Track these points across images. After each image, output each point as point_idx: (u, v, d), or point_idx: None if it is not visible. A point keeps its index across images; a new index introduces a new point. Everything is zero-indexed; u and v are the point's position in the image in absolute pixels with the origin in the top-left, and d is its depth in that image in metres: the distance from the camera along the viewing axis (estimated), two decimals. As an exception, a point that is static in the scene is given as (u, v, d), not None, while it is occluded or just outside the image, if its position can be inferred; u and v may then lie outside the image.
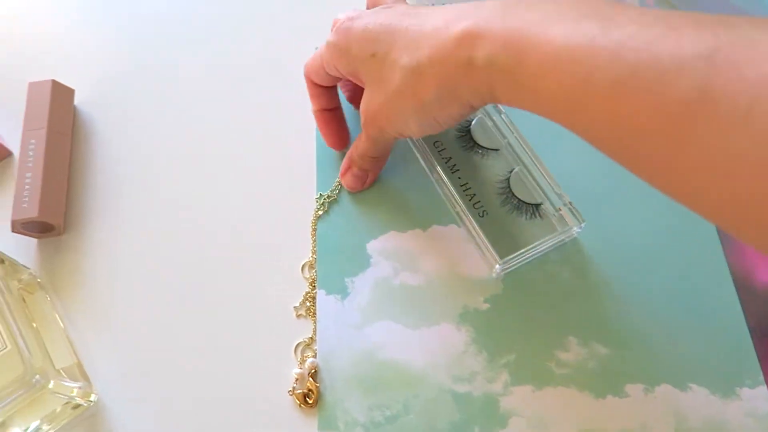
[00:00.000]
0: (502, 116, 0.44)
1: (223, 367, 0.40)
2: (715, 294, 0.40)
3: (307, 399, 0.38)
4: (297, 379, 0.39)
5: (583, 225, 0.40)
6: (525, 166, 0.43)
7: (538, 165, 0.42)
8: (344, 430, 0.38)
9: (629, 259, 0.42)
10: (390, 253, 0.43)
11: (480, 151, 0.44)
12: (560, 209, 0.41)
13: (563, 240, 0.41)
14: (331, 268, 0.42)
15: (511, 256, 0.40)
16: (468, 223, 0.41)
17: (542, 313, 0.40)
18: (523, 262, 0.41)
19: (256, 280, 0.43)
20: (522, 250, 0.40)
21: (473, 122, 0.45)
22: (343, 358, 0.40)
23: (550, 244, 0.41)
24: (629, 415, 0.37)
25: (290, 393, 0.39)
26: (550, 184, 0.42)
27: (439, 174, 0.42)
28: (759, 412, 0.37)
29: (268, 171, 0.46)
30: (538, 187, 0.42)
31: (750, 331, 0.39)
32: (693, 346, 0.39)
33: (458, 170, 0.43)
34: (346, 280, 0.42)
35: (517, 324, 0.40)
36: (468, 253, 0.42)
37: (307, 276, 0.42)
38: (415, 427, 0.38)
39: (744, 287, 0.41)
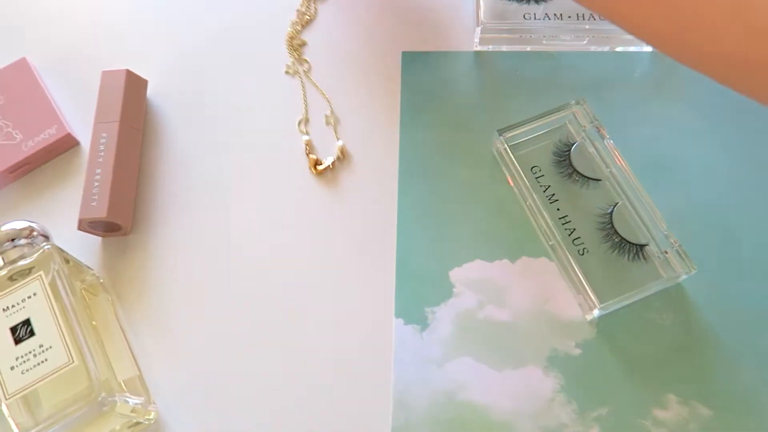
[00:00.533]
0: (606, 142, 0.40)
1: (296, 386, 0.38)
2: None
3: None
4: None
5: (693, 272, 0.37)
6: (629, 200, 0.39)
7: (644, 200, 0.38)
8: (420, 477, 0.35)
9: (741, 313, 0.38)
10: (474, 284, 0.40)
11: (579, 180, 0.40)
12: (667, 252, 0.38)
13: (668, 286, 0.38)
14: (410, 296, 0.39)
15: (611, 301, 0.36)
16: (564, 260, 0.38)
17: (639, 364, 0.37)
18: (621, 306, 0.38)
19: (333, 293, 0.40)
20: (624, 295, 0.36)
21: (573, 147, 0.41)
22: (420, 396, 0.37)
23: (653, 291, 0.37)
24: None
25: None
26: (656, 223, 0.38)
27: (534, 202, 0.39)
28: None
29: (350, 169, 0.43)
30: (643, 225, 0.39)
31: None
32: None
33: (557, 200, 0.40)
34: (426, 309, 0.39)
35: (611, 374, 0.37)
36: (559, 290, 0.39)
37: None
38: (498, 480, 0.35)
39: None
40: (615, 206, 0.39)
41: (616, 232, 0.38)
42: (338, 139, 0.45)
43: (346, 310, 0.40)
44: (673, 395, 0.36)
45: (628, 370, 0.37)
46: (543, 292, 0.39)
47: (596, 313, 0.37)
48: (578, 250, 0.38)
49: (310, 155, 0.44)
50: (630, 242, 0.38)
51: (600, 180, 0.40)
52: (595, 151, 0.41)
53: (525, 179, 0.40)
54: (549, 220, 0.38)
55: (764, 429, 0.35)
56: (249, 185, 0.44)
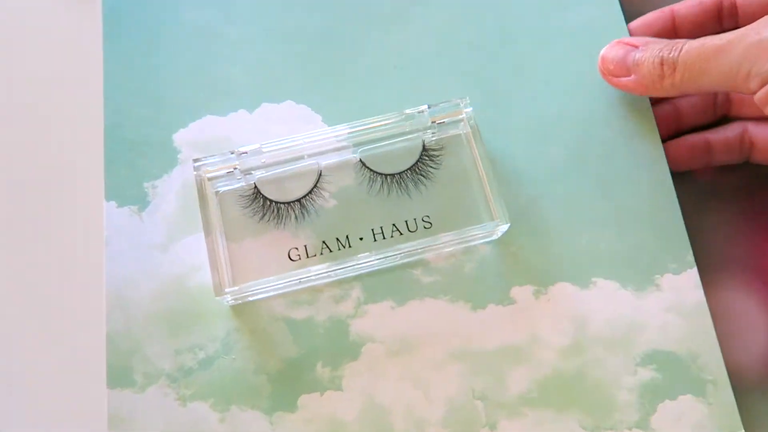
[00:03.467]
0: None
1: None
2: (628, 150, 0.31)
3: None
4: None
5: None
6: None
7: None
8: (142, 385, 0.28)
9: (518, 126, 0.32)
10: (205, 145, 0.32)
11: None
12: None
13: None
14: (124, 171, 0.31)
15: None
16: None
17: (402, 199, 0.30)
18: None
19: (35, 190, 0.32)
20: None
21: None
22: (142, 289, 0.30)
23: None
24: (515, 326, 0.29)
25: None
26: None
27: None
28: (685, 305, 0.29)
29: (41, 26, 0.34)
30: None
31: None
32: (599, 226, 0.30)
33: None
34: (145, 185, 0.31)
35: (370, 217, 0.30)
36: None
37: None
38: (237, 371, 0.28)
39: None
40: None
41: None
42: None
43: (48, 200, 0.32)
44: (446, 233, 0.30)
45: (390, 208, 0.30)
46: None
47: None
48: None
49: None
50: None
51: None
52: None
53: None
54: None
55: (546, 252, 0.30)
56: None
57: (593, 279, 0.29)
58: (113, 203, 0.31)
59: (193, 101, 0.33)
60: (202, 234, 0.30)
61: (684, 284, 0.29)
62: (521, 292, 0.29)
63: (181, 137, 0.32)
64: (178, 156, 0.32)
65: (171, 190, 0.31)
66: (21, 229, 0.31)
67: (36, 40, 0.34)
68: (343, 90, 0.33)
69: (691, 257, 0.29)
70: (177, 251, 0.30)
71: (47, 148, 0.32)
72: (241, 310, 0.29)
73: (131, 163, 0.32)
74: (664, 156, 0.31)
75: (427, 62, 0.33)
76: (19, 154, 0.32)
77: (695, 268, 0.29)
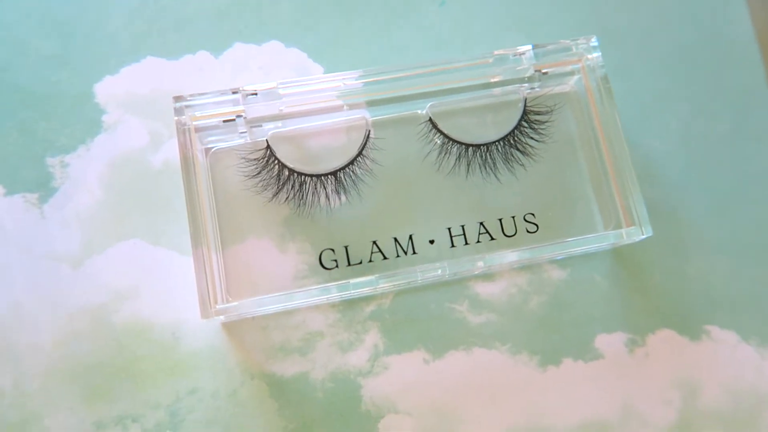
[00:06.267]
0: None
1: None
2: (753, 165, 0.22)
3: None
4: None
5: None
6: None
7: None
8: (41, 478, 0.18)
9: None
10: (144, 102, 0.21)
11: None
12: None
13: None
14: (17, 142, 0.20)
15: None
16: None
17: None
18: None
19: None
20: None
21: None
22: (41, 328, 0.19)
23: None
24: (601, 391, 0.20)
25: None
26: None
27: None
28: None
29: None
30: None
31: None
32: (714, 250, 0.21)
33: None
34: (49, 162, 0.20)
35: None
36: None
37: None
38: (192, 456, 0.19)
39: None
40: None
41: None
42: None
43: None
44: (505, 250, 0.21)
45: (413, 205, 0.21)
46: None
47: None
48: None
49: None
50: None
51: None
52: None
53: None
54: None
55: (644, 291, 0.21)
56: None
57: (706, 327, 0.21)
58: (1, 189, 0.20)
59: (126, 35, 0.22)
60: (139, 240, 0.20)
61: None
62: (610, 342, 0.20)
63: (106, 89, 0.21)
64: (103, 117, 0.21)
65: (91, 171, 0.20)
66: None
67: None
68: (355, 31, 0.22)
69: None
70: (97, 267, 0.20)
71: None
72: (199, 361, 0.19)
73: (27, 128, 0.21)
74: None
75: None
76: None
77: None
